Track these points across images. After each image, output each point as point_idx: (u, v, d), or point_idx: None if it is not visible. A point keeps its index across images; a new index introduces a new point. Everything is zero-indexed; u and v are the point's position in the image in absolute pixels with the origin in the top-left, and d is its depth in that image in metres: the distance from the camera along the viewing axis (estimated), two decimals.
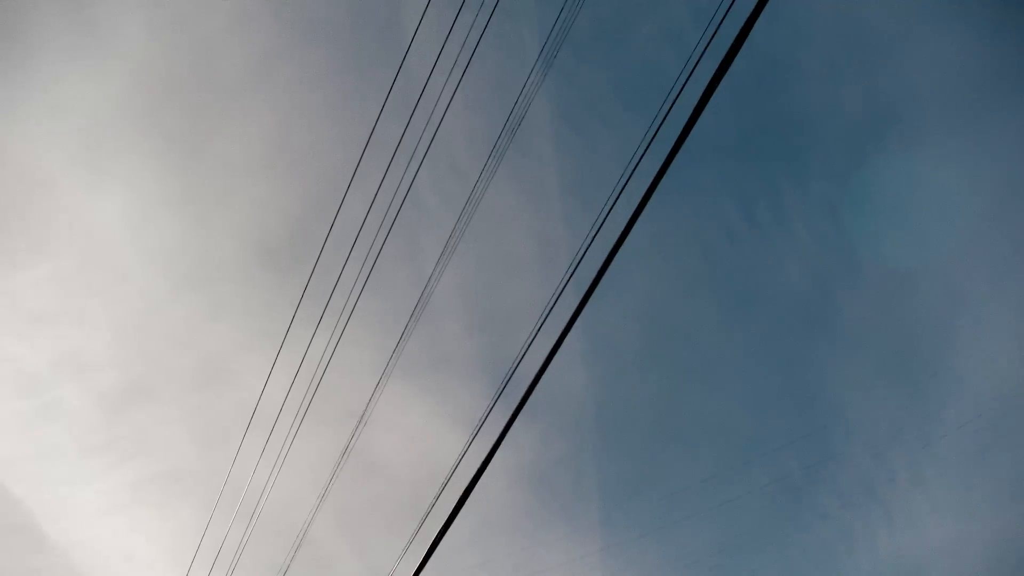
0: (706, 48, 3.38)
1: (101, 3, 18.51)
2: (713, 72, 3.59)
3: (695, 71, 3.49)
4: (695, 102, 3.76)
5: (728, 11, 3.45)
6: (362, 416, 9.42)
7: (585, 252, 3.80)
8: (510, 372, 4.82)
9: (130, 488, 21.72)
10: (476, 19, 7.91)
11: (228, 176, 22.49)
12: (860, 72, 19.83)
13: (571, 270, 4.10)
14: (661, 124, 3.47)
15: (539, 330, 4.26)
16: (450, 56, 8.11)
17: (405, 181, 9.87)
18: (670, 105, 3.50)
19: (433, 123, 8.67)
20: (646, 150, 3.59)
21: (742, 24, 3.71)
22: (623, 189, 3.59)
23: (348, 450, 9.88)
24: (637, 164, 3.53)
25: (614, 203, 3.69)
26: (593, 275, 4.25)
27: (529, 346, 4.44)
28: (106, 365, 22.61)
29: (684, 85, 3.43)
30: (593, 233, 3.93)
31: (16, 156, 19.24)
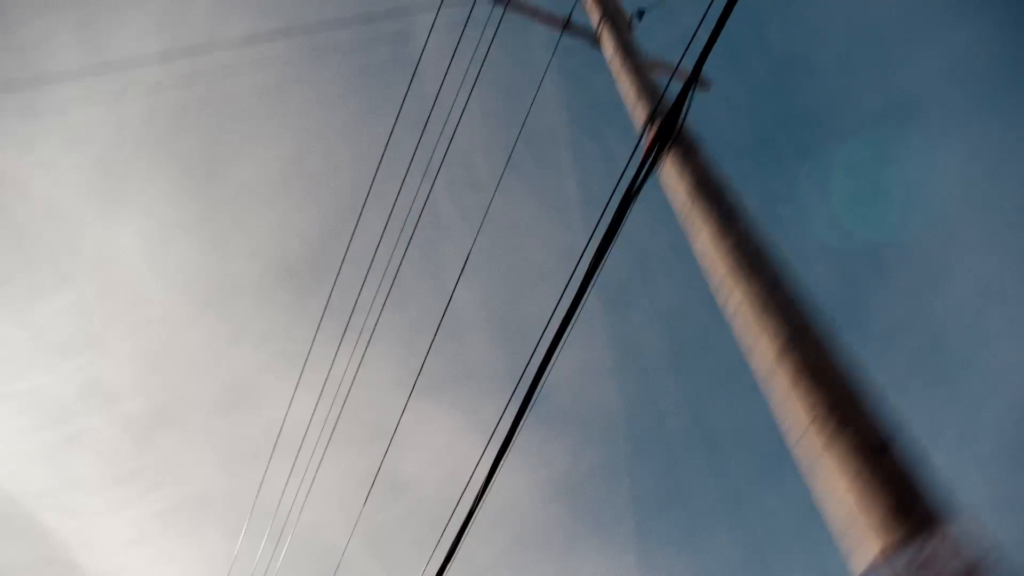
0: (695, 33, 3.28)
1: (115, 32, 18.77)
2: (703, 48, 3.47)
3: (690, 48, 3.38)
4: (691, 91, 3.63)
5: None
6: (393, 434, 9.31)
7: (583, 252, 3.69)
8: (520, 377, 4.70)
9: (159, 516, 21.81)
10: (484, 32, 7.87)
11: (245, 199, 22.65)
12: (879, 66, 19.57)
13: (573, 270, 3.98)
14: (655, 109, 3.33)
15: (543, 334, 4.13)
16: (461, 69, 8.07)
17: (421, 196, 9.83)
18: (665, 86, 3.39)
19: (447, 137, 8.62)
20: (640, 139, 3.46)
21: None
22: (618, 183, 3.48)
23: (379, 469, 9.76)
24: (632, 156, 3.41)
25: (609, 199, 3.57)
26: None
27: (535, 350, 4.32)
28: (131, 393, 22.78)
29: (676, 67, 3.31)
30: (592, 231, 3.81)
31: (35, 188, 19.50)
